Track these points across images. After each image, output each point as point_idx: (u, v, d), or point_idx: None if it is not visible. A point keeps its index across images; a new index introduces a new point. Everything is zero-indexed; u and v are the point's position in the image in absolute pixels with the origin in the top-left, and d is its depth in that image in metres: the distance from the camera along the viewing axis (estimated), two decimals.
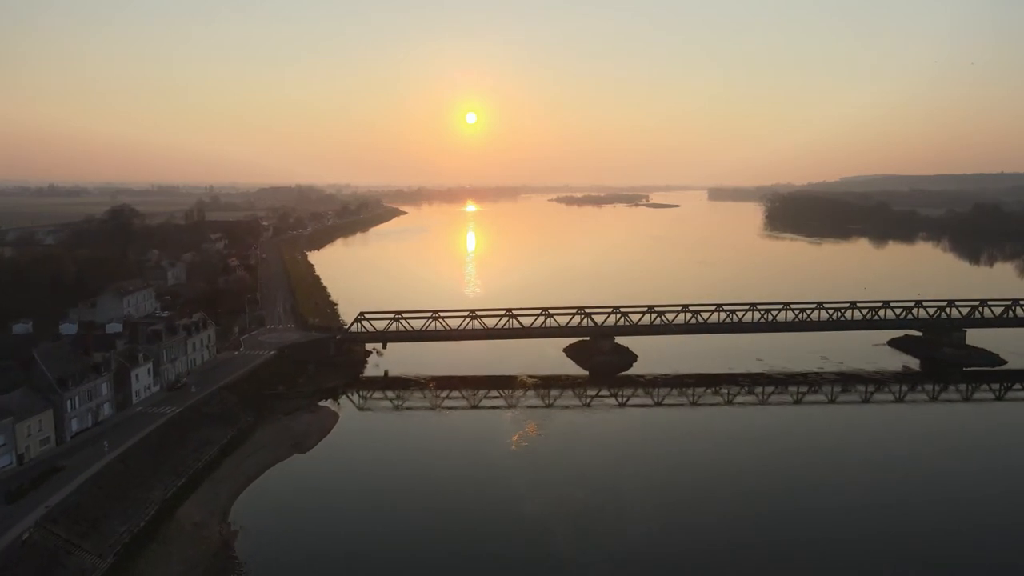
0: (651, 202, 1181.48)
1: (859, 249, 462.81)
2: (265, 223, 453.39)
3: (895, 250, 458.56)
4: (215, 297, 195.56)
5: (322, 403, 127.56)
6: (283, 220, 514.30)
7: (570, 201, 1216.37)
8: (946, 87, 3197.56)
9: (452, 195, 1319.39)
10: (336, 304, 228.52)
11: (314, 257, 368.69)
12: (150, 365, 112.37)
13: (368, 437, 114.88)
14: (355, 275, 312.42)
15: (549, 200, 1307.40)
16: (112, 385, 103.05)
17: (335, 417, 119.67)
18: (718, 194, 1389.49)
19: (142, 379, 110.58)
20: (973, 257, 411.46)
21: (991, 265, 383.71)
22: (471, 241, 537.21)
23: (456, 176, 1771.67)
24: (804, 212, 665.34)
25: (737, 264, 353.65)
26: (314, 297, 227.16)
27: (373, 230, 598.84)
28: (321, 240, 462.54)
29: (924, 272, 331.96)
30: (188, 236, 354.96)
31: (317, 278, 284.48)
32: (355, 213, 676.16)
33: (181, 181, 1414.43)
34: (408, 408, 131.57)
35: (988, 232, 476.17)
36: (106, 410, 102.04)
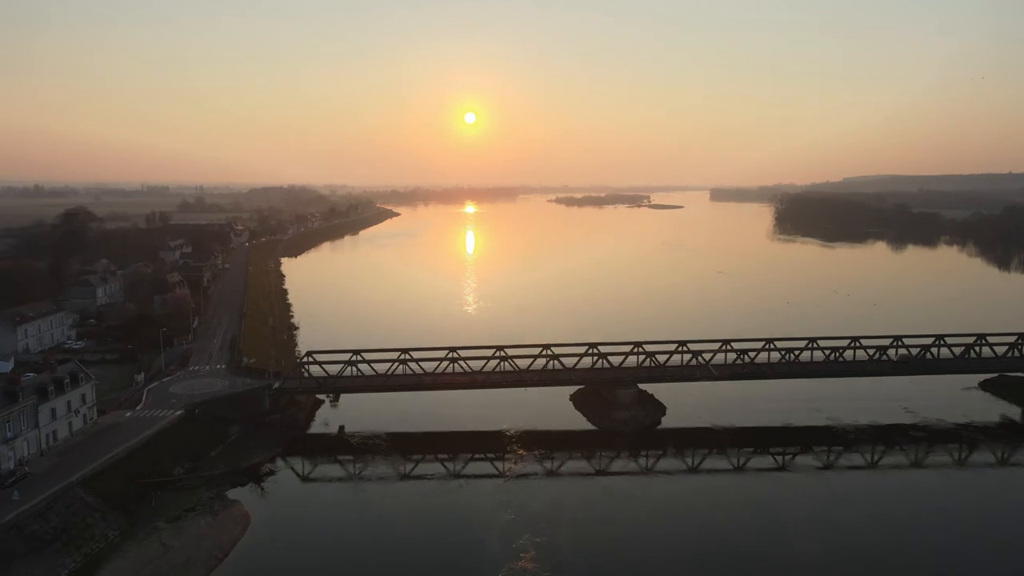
0: (653, 203, 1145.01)
1: (883, 255, 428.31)
2: (240, 227, 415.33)
3: (922, 256, 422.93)
4: (142, 323, 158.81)
5: (235, 491, 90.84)
6: (263, 223, 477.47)
7: (570, 202, 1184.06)
8: (949, 87, 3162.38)
9: (449, 195, 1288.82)
10: (297, 329, 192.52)
11: (289, 266, 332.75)
12: None
13: (287, 561, 77.60)
14: (331, 288, 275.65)
15: (548, 201, 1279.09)
16: None
17: (245, 521, 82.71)
18: (720, 195, 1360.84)
19: None
20: (1014, 265, 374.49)
21: None
22: (462, 248, 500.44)
23: (455, 176, 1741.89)
24: (813, 213, 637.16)
25: (758, 274, 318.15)
26: (271, 320, 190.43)
27: (363, 233, 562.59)
28: (301, 245, 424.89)
29: (977, 286, 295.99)
30: (151, 242, 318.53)
31: (284, 292, 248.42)
32: (344, 215, 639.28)
33: (173, 181, 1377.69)
34: (364, 480, 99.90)
35: (1020, 236, 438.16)
36: None
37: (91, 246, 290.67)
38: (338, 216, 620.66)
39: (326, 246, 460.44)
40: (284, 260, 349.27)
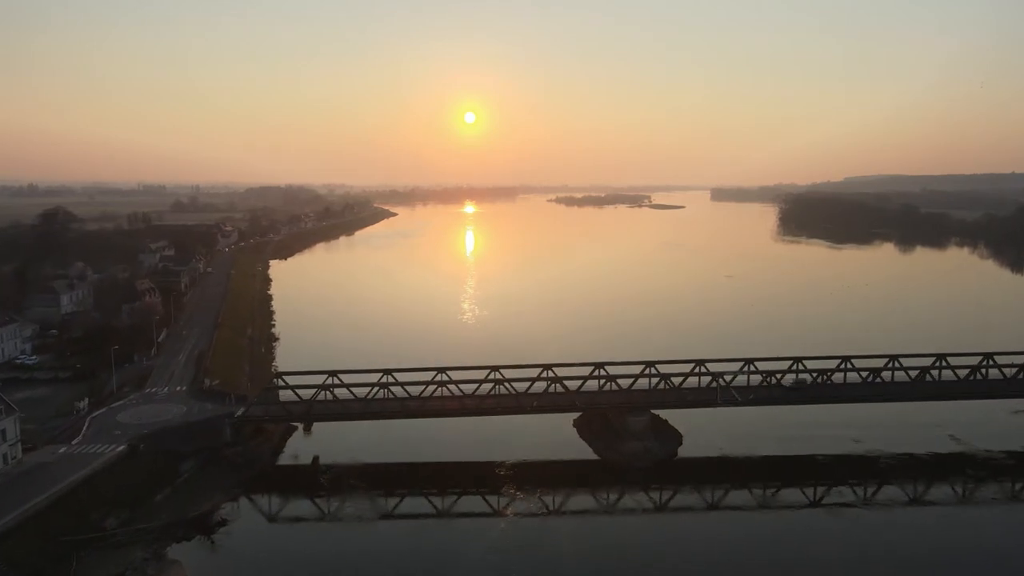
0: (654, 203, 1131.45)
1: (897, 257, 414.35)
2: (229, 227, 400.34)
3: (938, 258, 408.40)
4: (105, 335, 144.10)
5: (179, 548, 76.58)
6: (255, 223, 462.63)
7: (570, 202, 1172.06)
8: (950, 87, 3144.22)
9: (448, 195, 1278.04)
10: (277, 340, 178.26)
11: (278, 269, 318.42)
12: None
13: None
14: (320, 293, 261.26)
15: (548, 200, 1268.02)
16: None
17: None
18: (721, 195, 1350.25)
19: None
20: None
21: None
22: (459, 249, 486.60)
23: (454, 176, 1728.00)
24: (816, 214, 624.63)
25: (767, 277, 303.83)
26: (250, 331, 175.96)
27: (359, 234, 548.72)
28: (292, 247, 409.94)
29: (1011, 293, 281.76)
30: (133, 244, 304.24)
31: (268, 299, 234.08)
32: (339, 215, 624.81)
33: (172, 181, 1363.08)
34: (338, 521, 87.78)
35: None
36: None
37: (70, 248, 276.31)
38: (333, 216, 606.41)
39: (319, 247, 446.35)
40: (273, 263, 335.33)
